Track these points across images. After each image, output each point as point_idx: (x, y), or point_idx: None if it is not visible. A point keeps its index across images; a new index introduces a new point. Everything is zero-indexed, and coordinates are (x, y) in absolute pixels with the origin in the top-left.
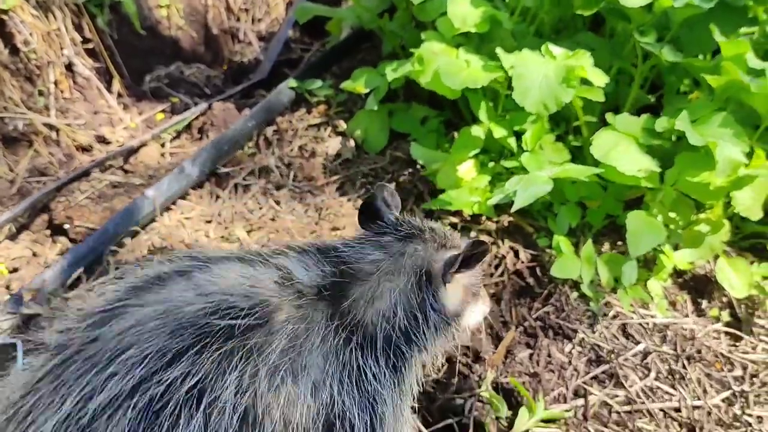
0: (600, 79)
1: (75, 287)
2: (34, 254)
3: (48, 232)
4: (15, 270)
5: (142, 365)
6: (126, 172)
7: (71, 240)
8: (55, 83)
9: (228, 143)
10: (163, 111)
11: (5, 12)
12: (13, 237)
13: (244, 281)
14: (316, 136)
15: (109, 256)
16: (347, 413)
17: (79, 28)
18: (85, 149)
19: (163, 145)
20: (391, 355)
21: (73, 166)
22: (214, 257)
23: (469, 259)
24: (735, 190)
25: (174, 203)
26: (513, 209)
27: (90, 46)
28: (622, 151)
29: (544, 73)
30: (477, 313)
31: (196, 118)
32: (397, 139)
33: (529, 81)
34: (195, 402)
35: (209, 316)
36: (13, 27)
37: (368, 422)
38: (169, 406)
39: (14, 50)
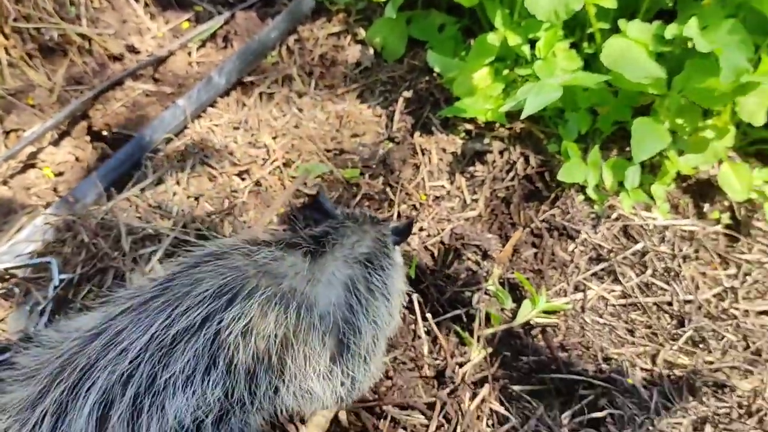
0: None
1: (116, 192)
2: (77, 159)
3: (88, 138)
4: (60, 174)
5: (207, 304)
6: (156, 80)
7: (110, 146)
8: None
9: (253, 53)
10: (188, 20)
11: None
12: (56, 143)
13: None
14: (336, 45)
15: (147, 162)
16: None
17: None
18: (116, 58)
19: (189, 54)
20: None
21: (106, 75)
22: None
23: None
24: (739, 96)
25: (204, 111)
26: (523, 116)
27: None
28: (631, 58)
29: None
30: None
31: (221, 27)
32: (416, 47)
33: None
34: (247, 337)
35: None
36: None
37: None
38: (230, 338)
39: None
